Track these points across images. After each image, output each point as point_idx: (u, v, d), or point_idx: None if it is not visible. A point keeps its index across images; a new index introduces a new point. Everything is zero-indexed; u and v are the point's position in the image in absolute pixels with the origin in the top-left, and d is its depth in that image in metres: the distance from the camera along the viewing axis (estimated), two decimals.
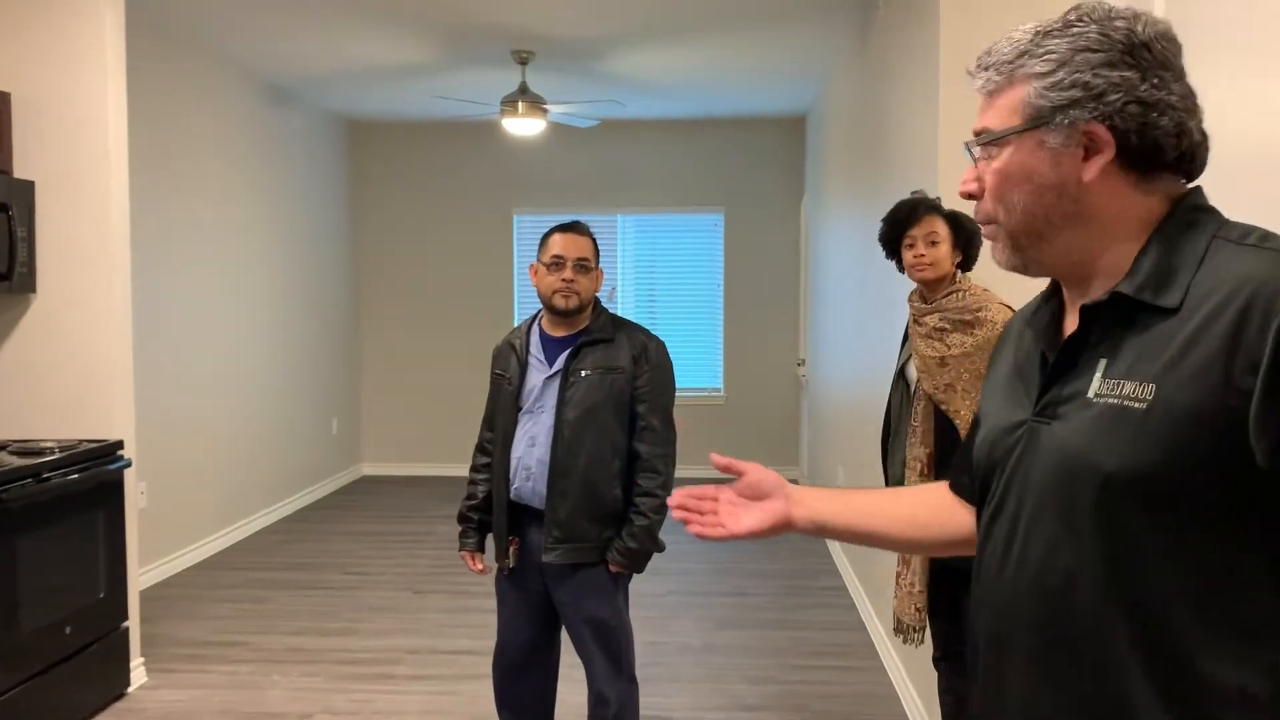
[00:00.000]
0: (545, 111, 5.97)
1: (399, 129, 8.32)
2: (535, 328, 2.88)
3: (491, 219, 8.34)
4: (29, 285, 3.77)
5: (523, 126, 6.01)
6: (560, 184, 8.25)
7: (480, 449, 2.92)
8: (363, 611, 4.91)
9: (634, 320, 2.93)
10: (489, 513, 2.90)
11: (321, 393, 7.70)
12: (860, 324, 5.03)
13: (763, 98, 7.26)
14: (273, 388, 6.87)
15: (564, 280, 2.74)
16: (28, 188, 3.76)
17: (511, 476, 2.81)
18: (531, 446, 2.79)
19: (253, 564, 5.75)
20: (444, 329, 8.39)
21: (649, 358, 2.80)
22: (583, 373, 2.75)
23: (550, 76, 6.27)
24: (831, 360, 6.15)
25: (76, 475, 3.58)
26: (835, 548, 5.88)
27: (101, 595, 3.75)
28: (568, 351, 2.77)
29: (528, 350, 2.85)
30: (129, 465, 3.87)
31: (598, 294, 2.84)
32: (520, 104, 5.87)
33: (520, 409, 2.81)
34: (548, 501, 2.74)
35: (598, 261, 2.80)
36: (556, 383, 2.77)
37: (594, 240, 2.82)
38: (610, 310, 2.90)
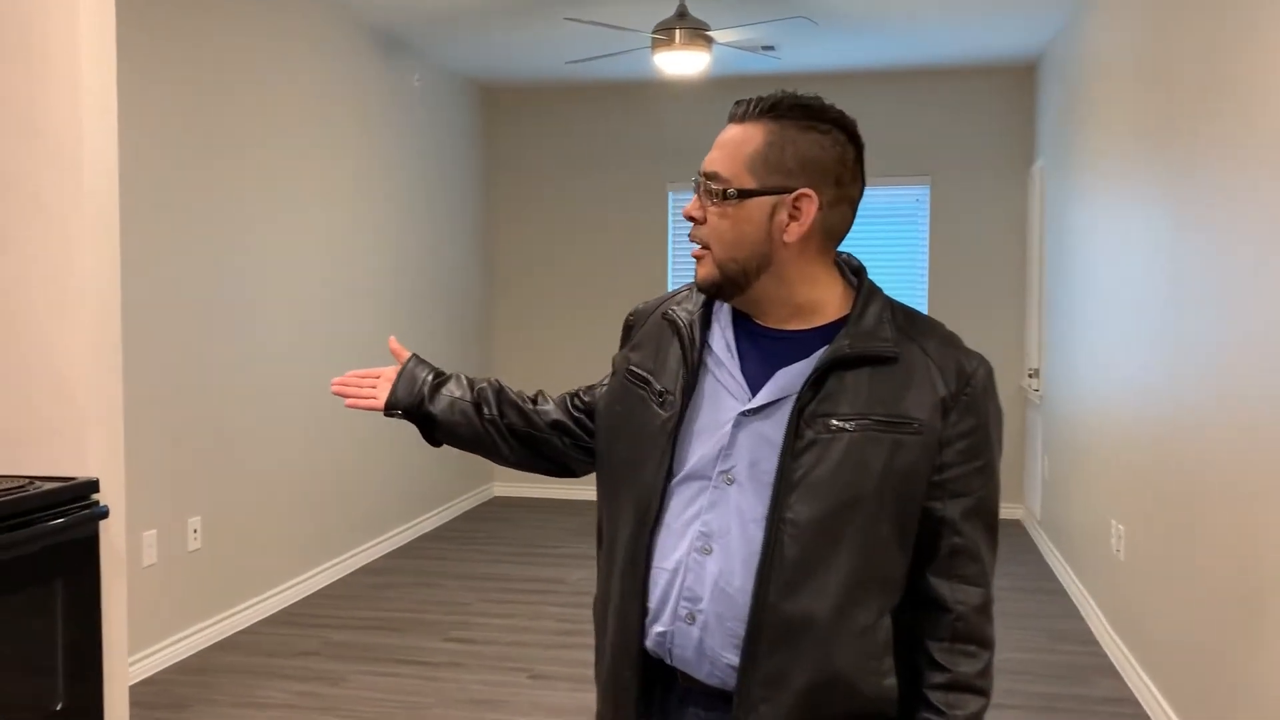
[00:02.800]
0: (709, 42, 4.56)
1: (535, 93, 7.07)
2: (728, 303, 1.47)
3: (643, 196, 6.99)
4: None
5: (681, 63, 4.62)
6: None
7: (545, 395, 1.67)
8: (460, 707, 3.61)
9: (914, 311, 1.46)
10: (478, 410, 1.65)
11: None
12: (1174, 327, 3.42)
13: (979, 38, 5.65)
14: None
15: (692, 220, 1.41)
16: None
17: (651, 605, 1.40)
18: (704, 553, 1.36)
19: (335, 619, 4.55)
20: (587, 325, 7.09)
21: (971, 396, 1.35)
22: (833, 422, 1.31)
23: (714, 6, 4.85)
24: (1098, 373, 4.50)
25: (28, 525, 2.39)
26: (1103, 629, 4.24)
27: (59, 707, 2.56)
28: (808, 374, 1.34)
29: (702, 340, 1.44)
30: (105, 515, 2.66)
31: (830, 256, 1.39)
32: (677, 32, 4.48)
33: (675, 470, 1.41)
34: (738, 686, 1.32)
35: (802, 177, 1.34)
36: (767, 428, 1.35)
37: (785, 126, 1.36)
38: (878, 294, 1.43)
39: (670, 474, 1.41)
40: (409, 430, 5.76)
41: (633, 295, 6.99)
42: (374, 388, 1.65)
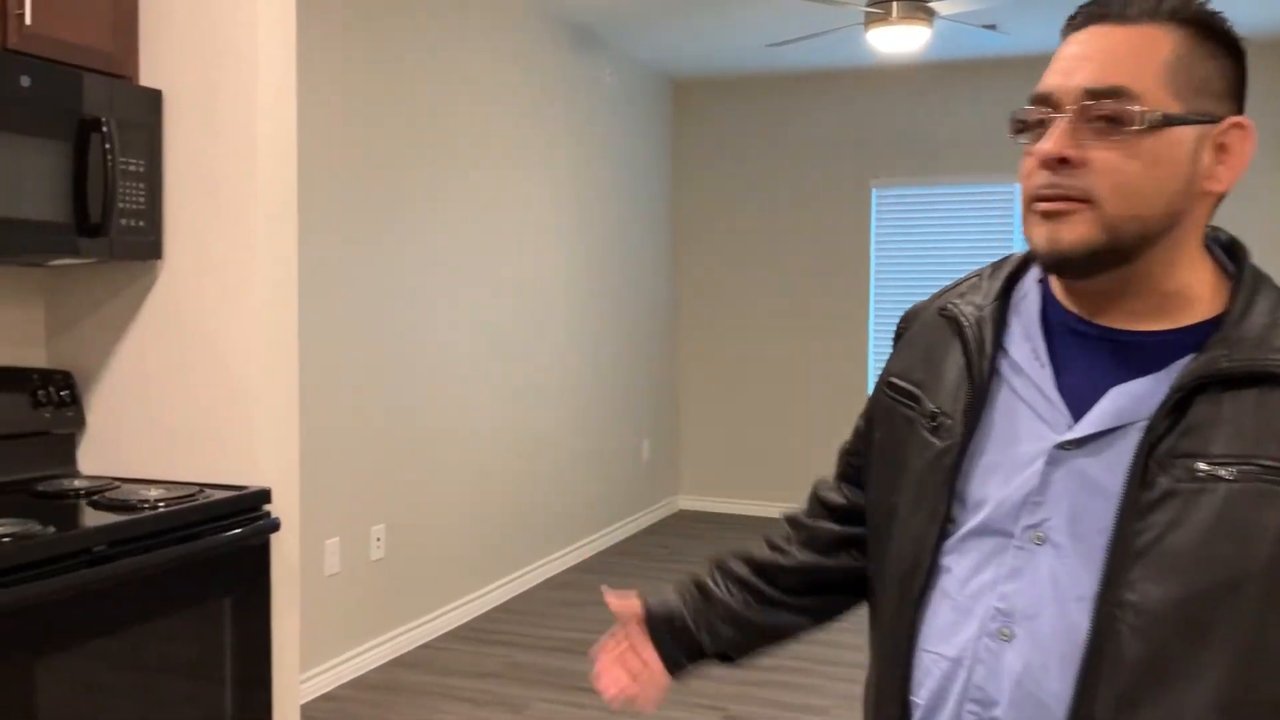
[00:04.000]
0: (930, 15, 4.10)
1: (728, 86, 6.73)
2: (1034, 291, 1.06)
3: (843, 194, 6.54)
4: (149, 248, 2.49)
5: (897, 39, 4.18)
6: (934, 144, 6.29)
7: (797, 521, 1.28)
8: None
9: None
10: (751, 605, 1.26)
11: (630, 408, 6.26)
12: None
13: (1243, 9, 4.93)
14: (567, 401, 5.49)
15: (1045, 169, 0.95)
16: (151, 100, 2.48)
17: (920, 701, 1.01)
18: (1002, 639, 0.97)
19: (518, 637, 4.34)
20: (779, 334, 6.69)
21: None
22: (1201, 467, 0.90)
23: None
24: None
25: (195, 538, 2.23)
26: None
27: None
28: (1164, 396, 0.92)
29: (995, 342, 1.06)
30: (276, 527, 2.49)
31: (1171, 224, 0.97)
32: (895, 5, 4.05)
33: (958, 519, 1.03)
34: None
35: (1227, 102, 0.94)
36: (1097, 468, 0.95)
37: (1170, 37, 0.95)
38: (1268, 284, 0.99)
39: (948, 525, 1.03)
40: (592, 440, 5.52)
41: (830, 302, 6.55)
42: (638, 668, 1.30)
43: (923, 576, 1.03)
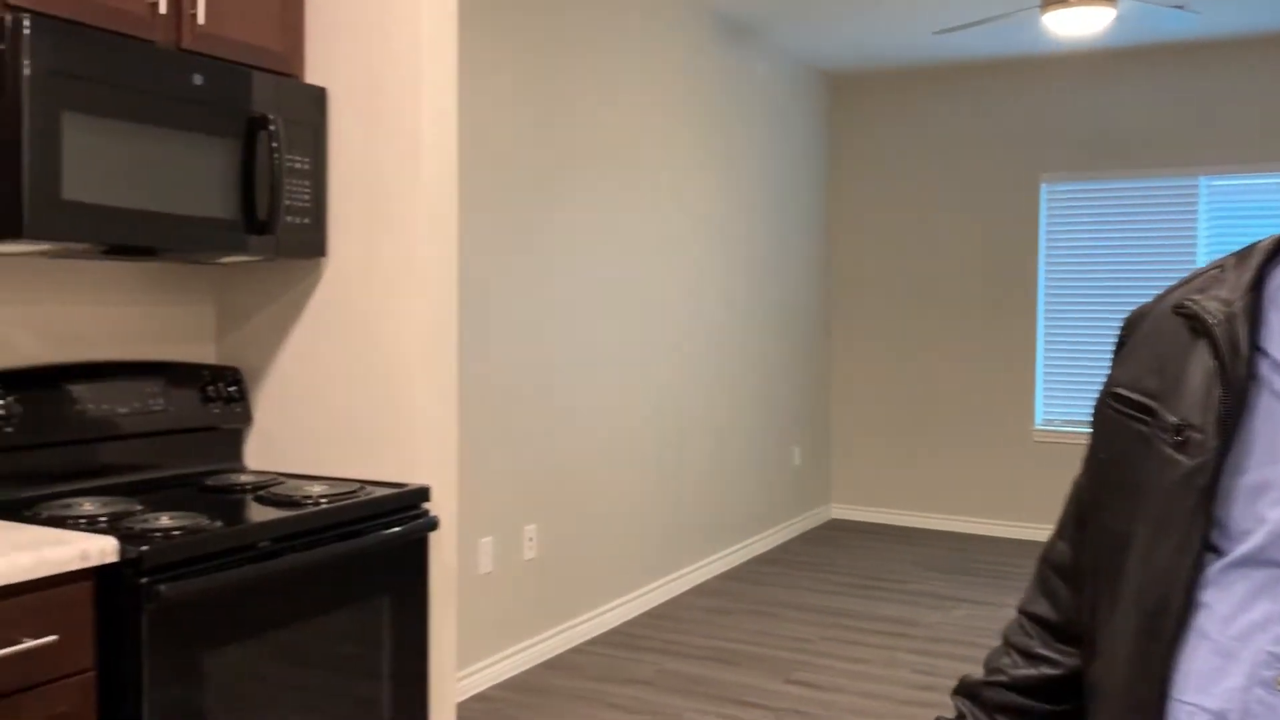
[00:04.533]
0: None
1: (887, 80, 6.50)
2: None
3: (1009, 191, 6.21)
4: (313, 246, 2.50)
5: (1077, 22, 3.91)
6: (1112, 136, 5.91)
7: (1039, 618, 1.08)
8: None
9: None
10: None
11: (781, 414, 6.10)
12: None
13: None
14: (718, 406, 5.38)
15: None
16: (316, 98, 2.49)
17: None
18: (1270, 688, 0.83)
19: (668, 644, 4.25)
20: (939, 338, 6.41)
21: None
22: None
23: None
24: None
25: (356, 535, 2.22)
26: None
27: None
28: None
29: (1251, 340, 0.89)
30: (435, 526, 2.46)
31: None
32: None
33: (1220, 548, 0.87)
34: None
35: None
36: None
37: None
38: None
39: (1204, 556, 0.87)
40: (743, 446, 5.38)
41: (994, 306, 6.24)
42: None
43: (1175, 615, 0.87)
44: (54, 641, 1.74)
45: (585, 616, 4.32)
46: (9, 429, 2.17)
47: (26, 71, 1.88)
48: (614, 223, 4.45)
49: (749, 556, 5.70)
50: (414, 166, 2.45)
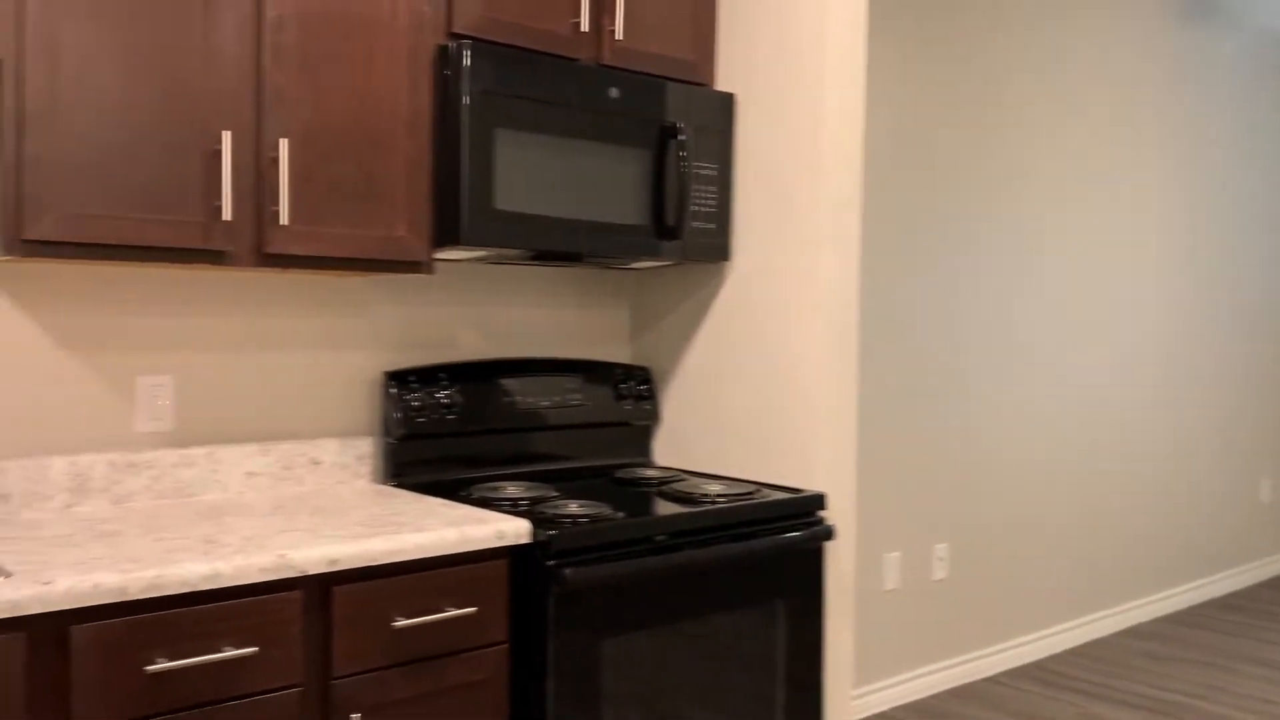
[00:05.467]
0: None
1: None
2: None
3: None
4: (718, 250, 2.54)
5: None
6: None
7: None
8: None
9: None
10: None
11: (1245, 437, 5.30)
12: None
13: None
14: (1159, 422, 4.78)
15: None
16: (724, 105, 2.53)
17: None
18: None
19: (1094, 686, 3.83)
20: None
21: None
22: None
23: None
24: None
25: (751, 537, 2.23)
26: None
27: None
28: None
29: None
30: (831, 535, 2.39)
31: None
32: None
33: None
34: None
35: None
36: None
37: None
38: None
39: None
40: (1195, 475, 4.73)
41: None
42: None
43: None
44: (473, 613, 1.90)
45: (999, 646, 4.02)
46: (451, 416, 2.42)
47: (466, 94, 2.08)
48: (1036, 224, 4.11)
49: (1198, 600, 5.01)
50: (815, 168, 2.41)
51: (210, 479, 2.17)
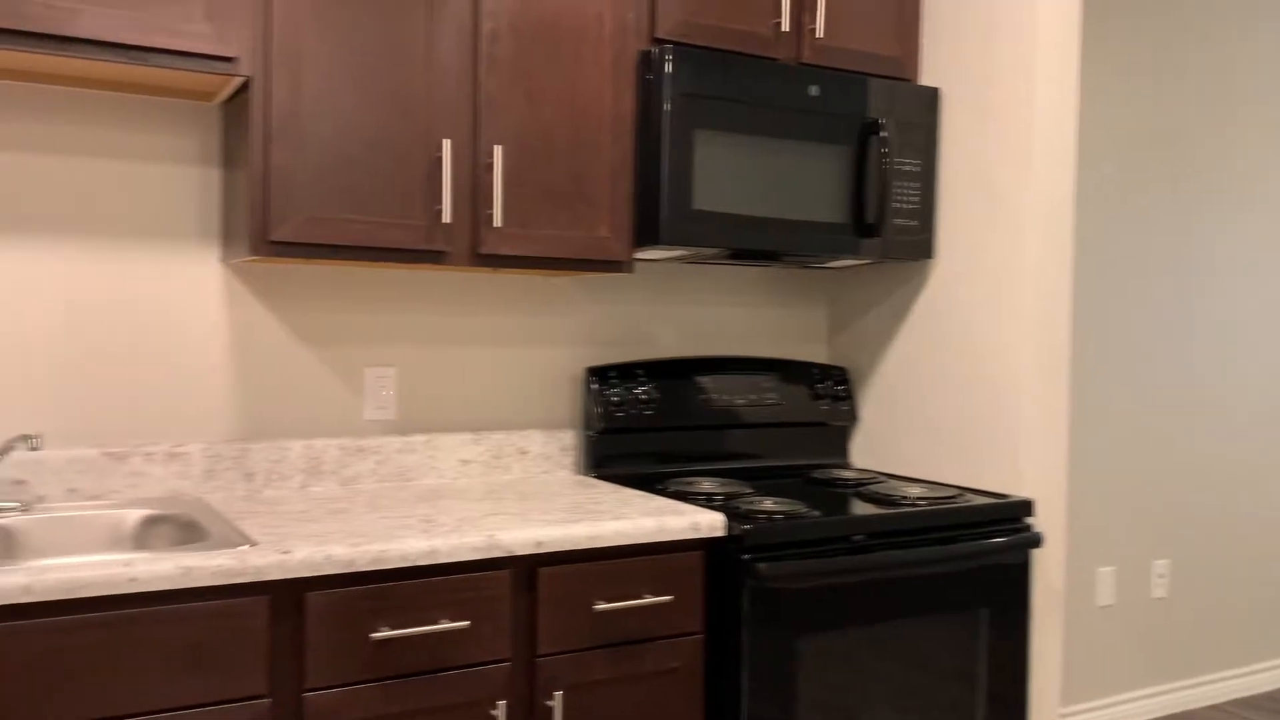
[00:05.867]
0: None
1: None
2: None
3: None
4: (920, 248, 2.49)
5: None
6: None
7: None
8: None
9: None
10: None
11: None
12: None
13: None
14: None
15: None
16: (928, 99, 2.49)
17: None
18: None
19: None
20: None
21: None
22: None
23: None
24: None
25: (951, 541, 2.19)
26: None
27: None
28: None
29: None
30: (1038, 543, 2.30)
31: None
32: None
33: None
34: None
35: None
36: None
37: None
38: None
39: None
40: None
41: None
42: None
43: None
44: (669, 601, 1.95)
45: (1226, 672, 3.74)
46: (649, 412, 2.48)
47: (667, 97, 2.14)
48: (1275, 220, 3.80)
49: None
50: (1025, 164, 2.33)
51: (428, 464, 2.31)
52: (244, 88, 1.91)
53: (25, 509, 1.88)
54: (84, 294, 2.01)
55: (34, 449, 1.88)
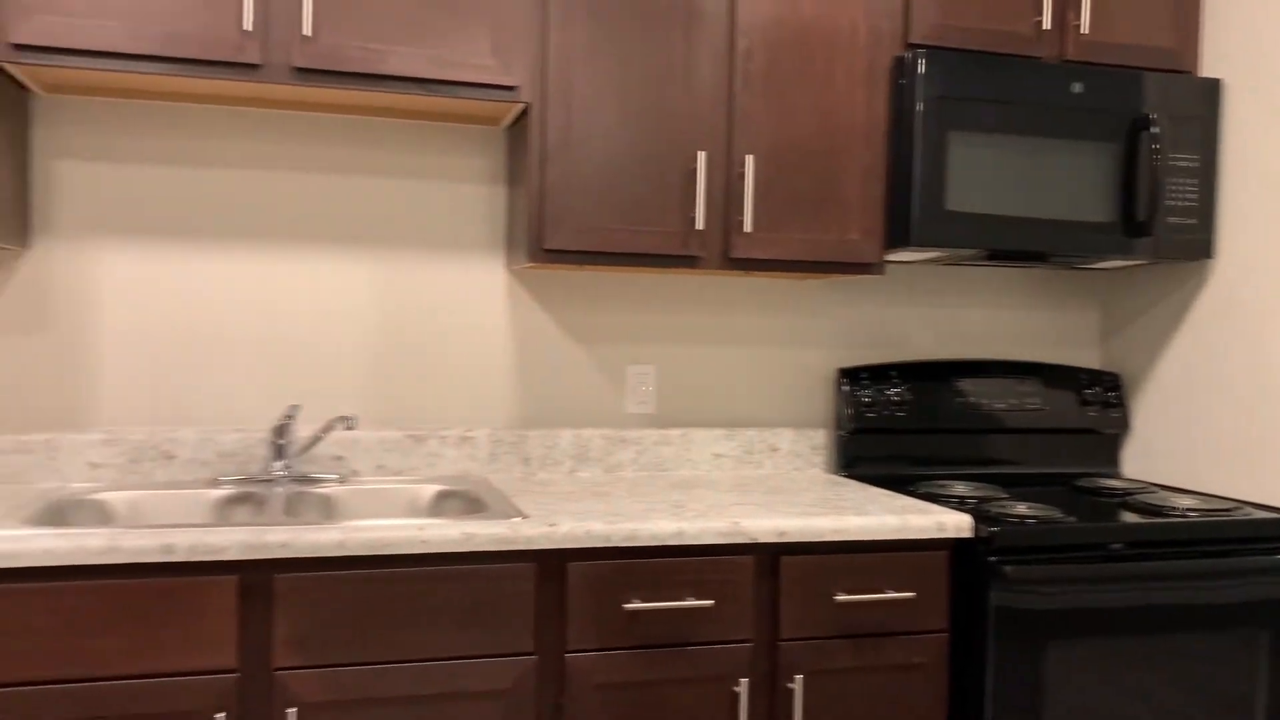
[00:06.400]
0: None
1: None
2: None
3: None
4: (1198, 247, 2.36)
5: None
6: None
7: None
8: None
9: None
10: None
11: None
12: None
13: None
14: None
15: None
16: (1208, 92, 2.35)
17: None
18: None
19: None
20: None
21: None
22: None
23: None
24: None
25: (1223, 555, 2.07)
26: None
27: None
28: None
29: None
30: None
31: None
32: None
33: None
34: None
35: None
36: None
37: None
38: None
39: None
40: None
41: None
42: None
43: None
44: (912, 598, 1.98)
45: None
46: (901, 414, 2.51)
47: (920, 100, 2.17)
48: None
49: None
50: None
51: (683, 457, 2.46)
52: (524, 113, 2.13)
53: (342, 480, 2.19)
54: (393, 297, 2.31)
55: (350, 429, 2.20)
